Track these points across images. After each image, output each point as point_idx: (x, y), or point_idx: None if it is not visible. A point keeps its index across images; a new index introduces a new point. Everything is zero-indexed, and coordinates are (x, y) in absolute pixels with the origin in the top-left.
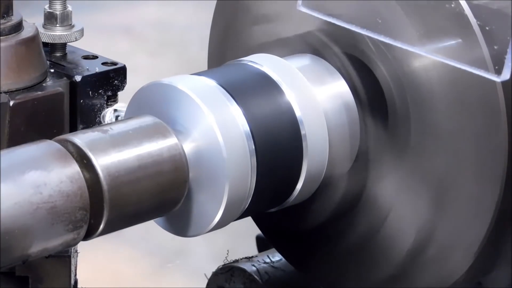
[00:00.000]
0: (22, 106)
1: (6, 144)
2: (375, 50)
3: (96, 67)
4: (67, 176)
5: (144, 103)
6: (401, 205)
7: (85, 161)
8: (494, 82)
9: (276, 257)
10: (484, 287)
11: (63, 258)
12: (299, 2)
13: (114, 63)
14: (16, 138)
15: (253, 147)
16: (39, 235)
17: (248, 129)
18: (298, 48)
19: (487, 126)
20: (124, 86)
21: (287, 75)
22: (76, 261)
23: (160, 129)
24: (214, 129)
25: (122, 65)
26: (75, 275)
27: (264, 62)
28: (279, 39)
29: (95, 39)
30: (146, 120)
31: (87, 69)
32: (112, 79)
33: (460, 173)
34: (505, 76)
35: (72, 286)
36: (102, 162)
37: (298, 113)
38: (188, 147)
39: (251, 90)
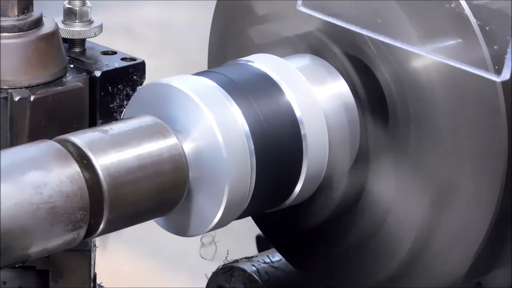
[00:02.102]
0: (42, 101)
1: (26, 139)
2: (375, 50)
3: (115, 63)
4: (67, 176)
5: (144, 103)
6: (401, 205)
7: (85, 161)
8: (494, 82)
9: (276, 257)
10: (484, 287)
11: (83, 252)
12: (299, 2)
13: (133, 59)
14: (37, 133)
15: (253, 147)
16: (39, 235)
17: (248, 129)
18: (298, 48)
19: (487, 126)
20: (143, 82)
21: (287, 75)
22: (95, 255)
23: (160, 129)
24: (214, 129)
25: (141, 60)
26: (94, 269)
27: (264, 62)
28: (279, 39)
29: (95, 39)
30: (146, 120)
31: (107, 64)
32: (131, 74)
33: (460, 173)
34: (505, 76)
35: (91, 280)
36: (102, 162)
37: (298, 113)
38: (188, 147)
39: (251, 90)
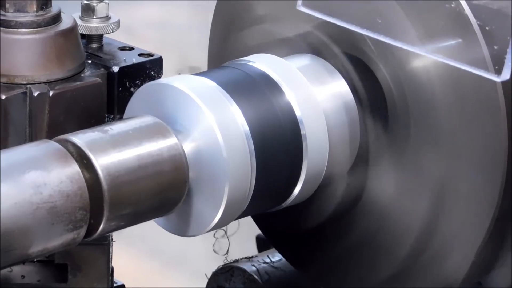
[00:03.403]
0: (61, 96)
1: (45, 134)
2: (375, 50)
3: (133, 58)
4: (67, 176)
5: (144, 103)
6: (401, 205)
7: (85, 161)
8: (494, 82)
9: (276, 257)
10: (484, 287)
11: (101, 246)
12: (299, 2)
13: (151, 54)
14: (55, 128)
15: (253, 147)
16: (39, 235)
17: (248, 129)
18: (298, 48)
19: (487, 126)
20: (160, 77)
21: (287, 75)
22: (112, 249)
23: (160, 129)
24: (214, 129)
25: (159, 56)
26: (111, 263)
27: (264, 62)
28: (279, 39)
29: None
30: (146, 120)
31: (124, 60)
32: (148, 69)
33: (460, 173)
34: (505, 76)
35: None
36: (102, 162)
37: (298, 113)
38: (188, 147)
39: (251, 90)
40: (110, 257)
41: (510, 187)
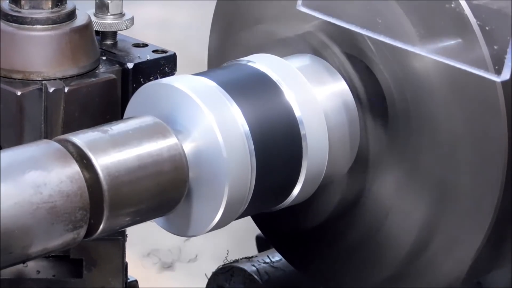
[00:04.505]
0: (76, 93)
1: (61, 130)
2: (375, 50)
3: (147, 55)
4: (67, 176)
5: (144, 103)
6: (401, 205)
7: (85, 161)
8: (494, 82)
9: (276, 257)
10: (484, 287)
11: (116, 241)
12: (299, 2)
13: (165, 51)
14: (71, 124)
15: (253, 147)
16: (39, 235)
17: (248, 129)
18: (298, 48)
19: (487, 126)
20: (174, 74)
21: (287, 75)
22: (126, 245)
23: (160, 129)
24: (214, 129)
25: (172, 53)
26: (125, 258)
27: (264, 62)
28: (279, 39)
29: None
30: (146, 120)
31: (138, 56)
32: (162, 66)
33: (460, 173)
34: (505, 76)
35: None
36: (102, 162)
37: (298, 113)
38: (188, 147)
39: (251, 90)
40: (124, 252)
41: (510, 187)
